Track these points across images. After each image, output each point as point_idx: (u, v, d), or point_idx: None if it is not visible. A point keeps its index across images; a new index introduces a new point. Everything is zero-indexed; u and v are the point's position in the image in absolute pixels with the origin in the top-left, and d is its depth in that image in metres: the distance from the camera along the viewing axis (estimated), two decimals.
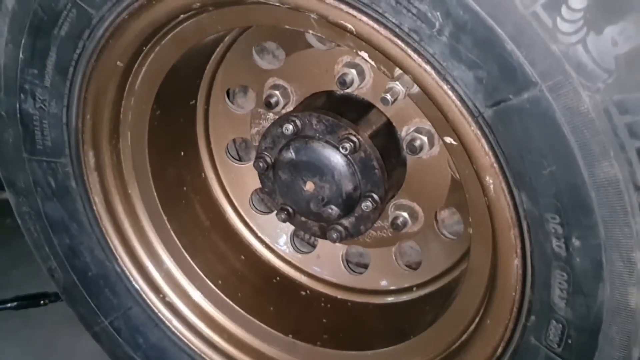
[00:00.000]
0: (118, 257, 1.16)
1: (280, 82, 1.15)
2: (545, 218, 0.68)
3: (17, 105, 1.05)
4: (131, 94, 1.03)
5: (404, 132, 1.06)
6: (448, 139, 0.79)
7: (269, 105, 1.15)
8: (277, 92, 1.14)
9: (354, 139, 1.01)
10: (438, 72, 0.67)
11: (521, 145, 0.65)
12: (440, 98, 0.69)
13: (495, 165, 0.70)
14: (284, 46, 1.11)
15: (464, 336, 0.96)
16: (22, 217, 1.19)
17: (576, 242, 0.66)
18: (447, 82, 0.67)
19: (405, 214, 1.13)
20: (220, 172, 1.29)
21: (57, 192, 1.11)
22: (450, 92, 0.68)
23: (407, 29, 0.66)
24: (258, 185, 1.24)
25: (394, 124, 1.06)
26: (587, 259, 0.66)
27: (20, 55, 1.00)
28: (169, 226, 1.20)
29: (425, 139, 1.03)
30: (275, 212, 1.18)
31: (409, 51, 0.68)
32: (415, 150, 1.03)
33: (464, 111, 0.68)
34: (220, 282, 1.21)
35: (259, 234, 1.31)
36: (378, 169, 1.02)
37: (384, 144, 1.04)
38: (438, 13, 0.62)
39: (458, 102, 0.68)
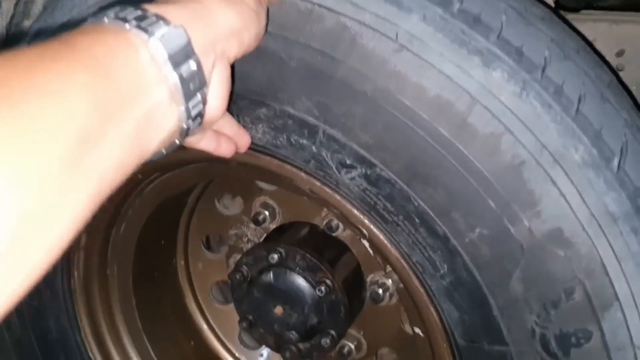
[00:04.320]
0: (81, 328, 1.22)
1: (271, 202, 1.26)
2: None
3: None
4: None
5: (369, 279, 1.20)
6: (417, 330, 0.94)
7: (256, 222, 1.26)
8: (265, 211, 1.26)
9: (329, 283, 1.14)
10: (430, 299, 0.82)
11: None
12: (426, 315, 0.84)
13: None
14: None
15: None
16: None
17: None
18: (436, 310, 0.82)
19: (352, 345, 1.27)
20: (190, 260, 1.38)
21: None
22: (435, 316, 0.82)
23: (415, 261, 0.80)
24: (220, 277, 1.36)
25: (363, 269, 1.20)
26: None
27: None
28: (134, 305, 1.27)
29: (386, 293, 1.18)
30: (232, 305, 1.29)
31: (411, 274, 0.82)
32: (376, 299, 1.18)
33: (442, 331, 0.83)
34: None
35: (211, 323, 1.41)
36: (343, 312, 1.16)
37: (352, 289, 1.18)
38: (445, 265, 0.77)
39: (440, 326, 0.82)
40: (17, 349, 1.26)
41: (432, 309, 0.83)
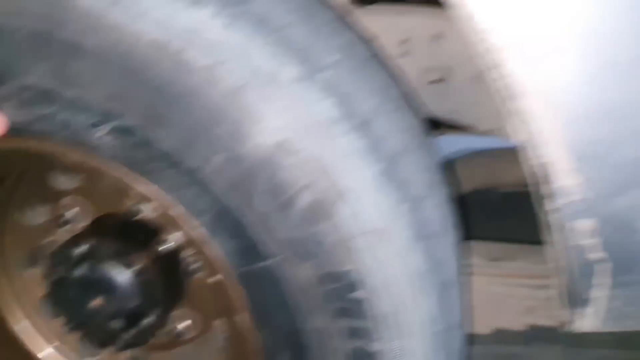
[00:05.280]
0: None
1: (75, 201, 1.26)
2: (279, 352, 0.90)
3: None
4: None
5: (183, 255, 1.23)
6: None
7: (64, 224, 1.25)
8: (72, 210, 1.26)
9: (138, 264, 1.15)
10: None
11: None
12: (207, 252, 0.89)
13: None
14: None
15: None
16: None
17: None
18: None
19: (184, 324, 1.29)
20: (14, 279, 1.34)
21: None
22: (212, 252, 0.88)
23: (182, 201, 0.85)
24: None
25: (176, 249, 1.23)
26: None
27: None
28: None
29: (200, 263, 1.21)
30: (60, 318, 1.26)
31: (184, 218, 0.87)
32: (189, 273, 1.21)
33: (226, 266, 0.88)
34: None
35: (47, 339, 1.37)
36: (160, 289, 1.18)
37: (167, 266, 1.20)
38: (203, 199, 0.82)
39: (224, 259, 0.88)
40: None
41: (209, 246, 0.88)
